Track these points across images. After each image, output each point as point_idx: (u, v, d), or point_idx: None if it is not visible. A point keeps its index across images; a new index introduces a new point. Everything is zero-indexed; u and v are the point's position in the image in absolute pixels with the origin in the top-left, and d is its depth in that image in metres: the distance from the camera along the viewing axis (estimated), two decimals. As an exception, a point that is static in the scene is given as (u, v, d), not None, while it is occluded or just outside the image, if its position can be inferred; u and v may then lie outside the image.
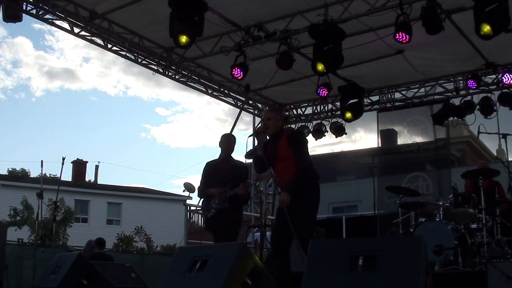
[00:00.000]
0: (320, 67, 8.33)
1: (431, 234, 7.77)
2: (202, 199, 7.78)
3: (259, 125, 6.27)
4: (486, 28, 7.06)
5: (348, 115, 10.89)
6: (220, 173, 7.47)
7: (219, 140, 7.74)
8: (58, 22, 9.18)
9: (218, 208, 7.32)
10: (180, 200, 30.75)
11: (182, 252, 5.52)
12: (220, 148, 7.78)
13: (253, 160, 6.55)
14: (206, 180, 7.60)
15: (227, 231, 7.24)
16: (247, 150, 6.87)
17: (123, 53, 10.10)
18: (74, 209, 26.89)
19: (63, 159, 9.57)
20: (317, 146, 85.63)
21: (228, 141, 7.80)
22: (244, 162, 8.17)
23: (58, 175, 28.42)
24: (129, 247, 25.99)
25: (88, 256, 11.08)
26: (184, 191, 16.02)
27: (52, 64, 59.73)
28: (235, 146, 7.85)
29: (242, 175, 7.54)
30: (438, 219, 8.31)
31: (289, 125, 13.13)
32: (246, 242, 9.46)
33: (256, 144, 6.52)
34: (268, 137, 6.53)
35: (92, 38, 9.59)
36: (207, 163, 7.89)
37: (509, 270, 6.06)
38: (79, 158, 34.99)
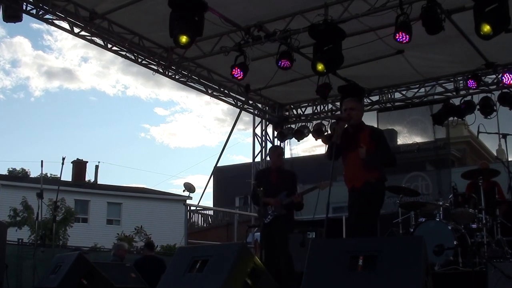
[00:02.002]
0: (320, 67, 8.33)
1: (431, 234, 7.77)
2: (258, 207, 8.24)
3: (340, 112, 6.20)
4: (486, 28, 7.05)
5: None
6: (270, 183, 7.90)
7: (268, 152, 8.07)
8: (57, 22, 9.18)
9: (275, 215, 7.78)
10: (180, 200, 30.76)
11: (182, 252, 5.53)
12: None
13: (328, 146, 6.46)
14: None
15: (282, 235, 7.73)
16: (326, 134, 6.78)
17: (123, 53, 10.09)
18: (74, 209, 26.86)
19: (63, 159, 9.57)
20: (316, 146, 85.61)
21: (276, 154, 8.41)
22: (292, 170, 8.72)
23: (58, 175, 28.38)
24: (129, 247, 25.96)
25: (119, 258, 11.20)
26: (184, 191, 16.07)
27: (50, 64, 59.80)
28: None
29: (292, 183, 8.04)
30: (438, 219, 8.32)
31: (289, 125, 13.14)
32: (246, 242, 9.46)
33: (335, 130, 6.46)
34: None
35: (92, 38, 9.58)
36: (257, 172, 8.81)
37: (509, 270, 6.06)
38: (79, 158, 34.96)
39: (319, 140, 12.78)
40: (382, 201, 6.36)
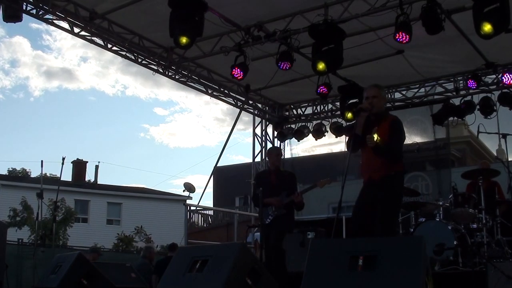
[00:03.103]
0: (321, 66, 8.32)
1: (431, 234, 7.78)
2: (258, 208, 8.16)
3: (362, 102, 5.94)
4: (487, 28, 7.04)
5: (349, 115, 10.88)
6: (270, 184, 7.97)
7: (267, 153, 8.10)
8: (57, 22, 9.18)
9: (276, 215, 7.86)
10: (180, 200, 30.75)
11: (182, 252, 5.53)
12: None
13: (349, 138, 6.14)
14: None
15: (280, 234, 7.74)
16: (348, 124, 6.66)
17: (123, 53, 10.10)
18: (74, 209, 26.85)
19: (63, 159, 9.57)
20: (316, 146, 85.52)
21: (275, 154, 8.49)
22: (291, 171, 9.06)
23: (58, 175, 28.37)
24: (129, 247, 25.95)
25: (148, 261, 11.23)
26: (184, 191, 16.08)
27: (50, 63, 59.70)
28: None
29: (292, 183, 8.12)
30: (438, 219, 8.33)
31: (289, 125, 13.15)
32: (246, 242, 9.47)
33: (356, 121, 6.16)
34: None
35: (92, 38, 9.59)
36: (257, 174, 8.83)
37: (509, 270, 6.06)
38: (79, 158, 34.94)
39: (319, 140, 12.79)
40: (402, 195, 6.24)
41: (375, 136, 5.75)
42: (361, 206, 6.12)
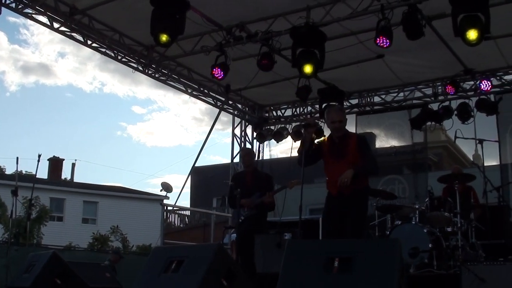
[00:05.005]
0: (308, 69, 8.30)
1: (406, 237, 7.82)
2: (232, 210, 8.50)
3: (307, 116, 6.38)
4: (473, 35, 7.07)
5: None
6: (246, 184, 7.96)
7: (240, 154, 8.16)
8: (36, 17, 9.07)
9: (247, 215, 7.94)
10: (157, 199, 30.61)
11: (158, 252, 5.50)
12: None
13: (298, 153, 6.52)
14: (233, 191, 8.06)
15: (250, 235, 7.86)
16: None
17: (103, 50, 10.02)
18: (49, 208, 26.58)
19: (39, 156, 9.44)
20: (295, 148, 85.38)
21: (243, 154, 8.81)
22: (268, 173, 9.07)
23: (34, 172, 28.12)
24: (105, 246, 25.77)
25: (110, 263, 11.11)
26: (161, 190, 16.01)
27: (27, 58, 58.90)
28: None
29: (267, 184, 8.17)
30: (414, 222, 8.38)
31: (268, 126, 13.16)
32: (223, 243, 9.45)
33: (304, 137, 6.55)
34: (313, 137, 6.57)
35: (72, 34, 9.50)
36: (234, 175, 8.95)
37: (482, 273, 6.12)
38: (56, 155, 34.60)
39: (298, 142, 12.79)
40: (368, 208, 6.62)
41: (347, 176, 6.13)
42: (331, 221, 6.44)
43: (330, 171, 6.50)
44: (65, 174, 36.35)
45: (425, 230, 8.02)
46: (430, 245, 7.80)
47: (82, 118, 65.01)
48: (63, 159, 35.26)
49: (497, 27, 8.13)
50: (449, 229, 8.26)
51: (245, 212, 7.93)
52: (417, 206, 8.68)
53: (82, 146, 64.71)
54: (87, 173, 76.84)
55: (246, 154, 8.84)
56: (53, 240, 23.47)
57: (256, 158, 12.85)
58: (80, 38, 9.68)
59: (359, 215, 6.37)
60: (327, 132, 6.87)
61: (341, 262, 4.20)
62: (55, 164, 34.35)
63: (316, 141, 6.68)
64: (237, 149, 13.50)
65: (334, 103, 10.90)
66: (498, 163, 10.97)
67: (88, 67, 57.45)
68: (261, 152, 13.26)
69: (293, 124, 12.91)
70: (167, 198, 26.30)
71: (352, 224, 6.28)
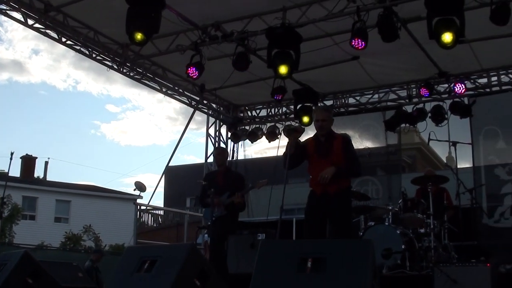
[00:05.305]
0: (283, 69, 8.30)
1: (380, 238, 7.87)
2: (204, 209, 8.49)
3: (289, 124, 6.54)
4: (448, 38, 7.12)
5: (306, 119, 10.85)
6: (217, 184, 7.94)
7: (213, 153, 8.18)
8: (10, 13, 8.93)
9: (217, 216, 7.79)
10: (130, 199, 30.40)
11: (131, 252, 5.46)
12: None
13: (284, 156, 6.65)
14: (205, 191, 8.07)
15: (221, 236, 7.81)
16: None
17: (77, 47, 9.91)
18: (21, 206, 26.30)
19: (12, 154, 9.32)
20: (269, 148, 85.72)
21: (215, 153, 8.86)
22: (240, 173, 9.20)
23: (6, 170, 27.73)
24: (77, 246, 25.60)
25: (92, 263, 10.94)
26: (135, 190, 15.88)
27: (0, 55, 58.15)
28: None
29: (238, 184, 8.15)
30: (387, 223, 8.43)
31: (243, 127, 13.14)
32: (196, 243, 9.42)
33: (289, 141, 6.65)
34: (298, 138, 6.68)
35: (46, 31, 9.38)
36: (206, 174, 8.91)
37: (454, 274, 6.19)
38: (28, 153, 34.17)
39: (272, 142, 12.81)
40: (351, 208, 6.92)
41: (328, 172, 6.29)
42: (314, 219, 6.51)
43: (315, 170, 6.58)
44: (38, 172, 35.93)
45: (398, 231, 8.08)
46: (403, 246, 7.86)
47: (56, 116, 64.23)
48: (36, 157, 34.86)
49: (472, 31, 8.21)
50: (422, 231, 8.33)
51: (216, 213, 7.88)
52: (390, 208, 8.74)
53: (55, 145, 63.99)
54: (60, 171, 75.99)
55: (219, 153, 8.87)
56: (25, 239, 23.22)
57: (231, 158, 12.86)
58: (54, 35, 9.56)
59: (345, 214, 6.51)
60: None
61: (314, 262, 4.21)
62: (28, 162, 33.94)
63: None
64: (211, 149, 13.44)
65: (309, 104, 10.96)
66: (471, 165, 11.07)
67: (62, 64, 56.75)
68: (235, 152, 13.24)
69: (268, 125, 12.90)
70: (141, 197, 26.11)
71: (337, 223, 6.43)
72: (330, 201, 6.40)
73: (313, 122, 6.85)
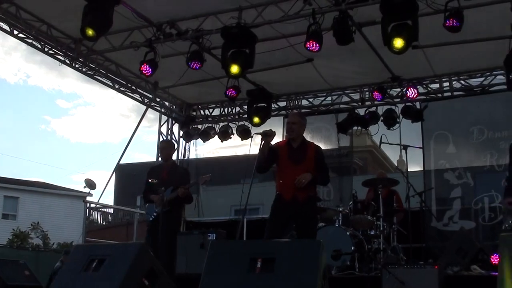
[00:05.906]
0: (234, 69, 8.28)
1: (330, 239, 7.94)
2: (146, 204, 8.22)
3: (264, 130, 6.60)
4: (400, 43, 7.22)
5: (256, 119, 10.89)
6: (162, 179, 7.87)
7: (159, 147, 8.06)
8: (-42, 4, 8.69)
9: (159, 212, 7.60)
10: (79, 196, 29.86)
11: (79, 250, 5.38)
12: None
13: (257, 160, 6.65)
14: (149, 185, 8.01)
15: (165, 232, 7.48)
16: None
17: (29, 40, 9.69)
18: (-34, 202, 25.67)
19: (-43, 148, 9.08)
20: (221, 148, 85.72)
21: (164, 147, 8.55)
22: (185, 167, 8.45)
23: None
24: (25, 243, 25.12)
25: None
26: (84, 187, 15.62)
27: (-51, 47, 56.52)
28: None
29: (183, 180, 7.94)
30: (337, 225, 8.52)
31: (195, 125, 13.07)
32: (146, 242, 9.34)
33: (261, 144, 6.62)
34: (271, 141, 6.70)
35: (-3, 23, 9.15)
36: (150, 168, 8.64)
37: (403, 276, 6.29)
38: (-24, 148, 33.41)
39: (224, 142, 12.78)
40: None
41: (304, 177, 6.43)
42: (277, 222, 6.64)
43: (287, 175, 6.65)
44: (-15, 168, 35.14)
45: (348, 233, 8.17)
46: (352, 248, 7.96)
47: (5, 110, 62.77)
48: (-17, 152, 34.08)
49: (425, 37, 8.37)
50: (371, 233, 8.45)
51: (157, 208, 7.73)
52: (341, 209, 8.83)
53: (4, 139, 62.54)
54: (9, 167, 74.20)
55: (164, 147, 8.67)
56: (-30, 235, 22.68)
57: (182, 157, 12.78)
58: (6, 27, 9.32)
59: (312, 221, 6.82)
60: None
61: (264, 262, 4.21)
62: (-26, 157, 33.14)
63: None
64: (163, 147, 13.32)
65: (263, 105, 10.99)
66: (422, 169, 11.24)
67: (13, 57, 55.49)
68: (187, 151, 13.15)
69: (221, 124, 12.84)
70: (90, 195, 25.69)
71: (304, 229, 6.57)
72: (298, 207, 6.51)
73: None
